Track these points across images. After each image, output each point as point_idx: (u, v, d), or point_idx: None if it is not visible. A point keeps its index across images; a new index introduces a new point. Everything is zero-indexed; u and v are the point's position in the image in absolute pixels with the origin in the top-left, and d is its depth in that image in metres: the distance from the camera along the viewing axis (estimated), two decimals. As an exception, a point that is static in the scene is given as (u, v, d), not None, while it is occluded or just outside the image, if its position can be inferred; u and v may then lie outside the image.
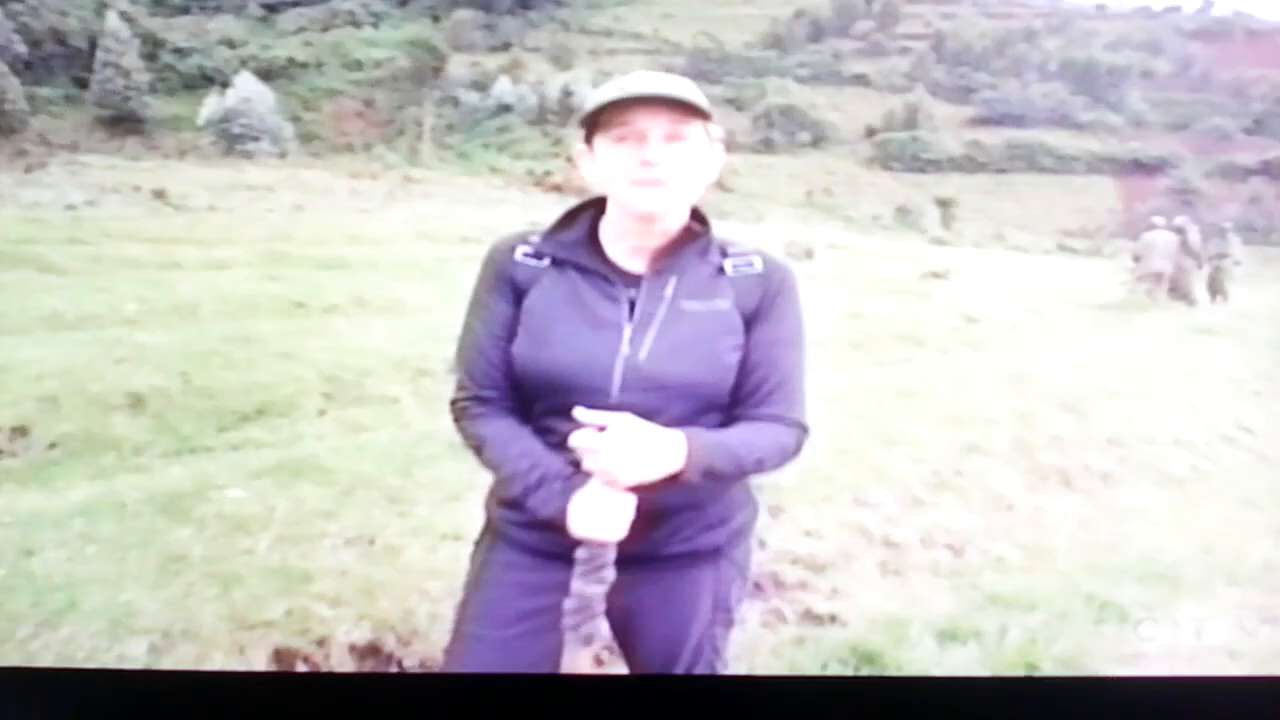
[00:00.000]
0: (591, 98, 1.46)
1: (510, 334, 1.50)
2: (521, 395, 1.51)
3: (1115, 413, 5.69)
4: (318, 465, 3.41)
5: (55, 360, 4.75)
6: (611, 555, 1.41)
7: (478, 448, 1.53)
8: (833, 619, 3.11)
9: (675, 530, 1.51)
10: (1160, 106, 34.38)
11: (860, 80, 39.12)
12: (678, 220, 1.49)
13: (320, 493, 3.19)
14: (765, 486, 3.90)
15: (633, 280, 1.49)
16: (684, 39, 41.04)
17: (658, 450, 1.37)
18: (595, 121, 1.45)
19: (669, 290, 1.48)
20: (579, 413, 1.37)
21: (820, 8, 42.49)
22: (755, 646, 2.92)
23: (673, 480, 1.38)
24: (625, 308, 1.47)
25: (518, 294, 1.51)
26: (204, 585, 2.53)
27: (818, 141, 35.67)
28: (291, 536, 2.86)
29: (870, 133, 35.76)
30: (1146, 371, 6.99)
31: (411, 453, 3.69)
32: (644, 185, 1.42)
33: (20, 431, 4.12)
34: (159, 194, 15.20)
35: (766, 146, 35.07)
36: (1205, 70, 36.34)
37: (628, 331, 1.46)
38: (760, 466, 1.49)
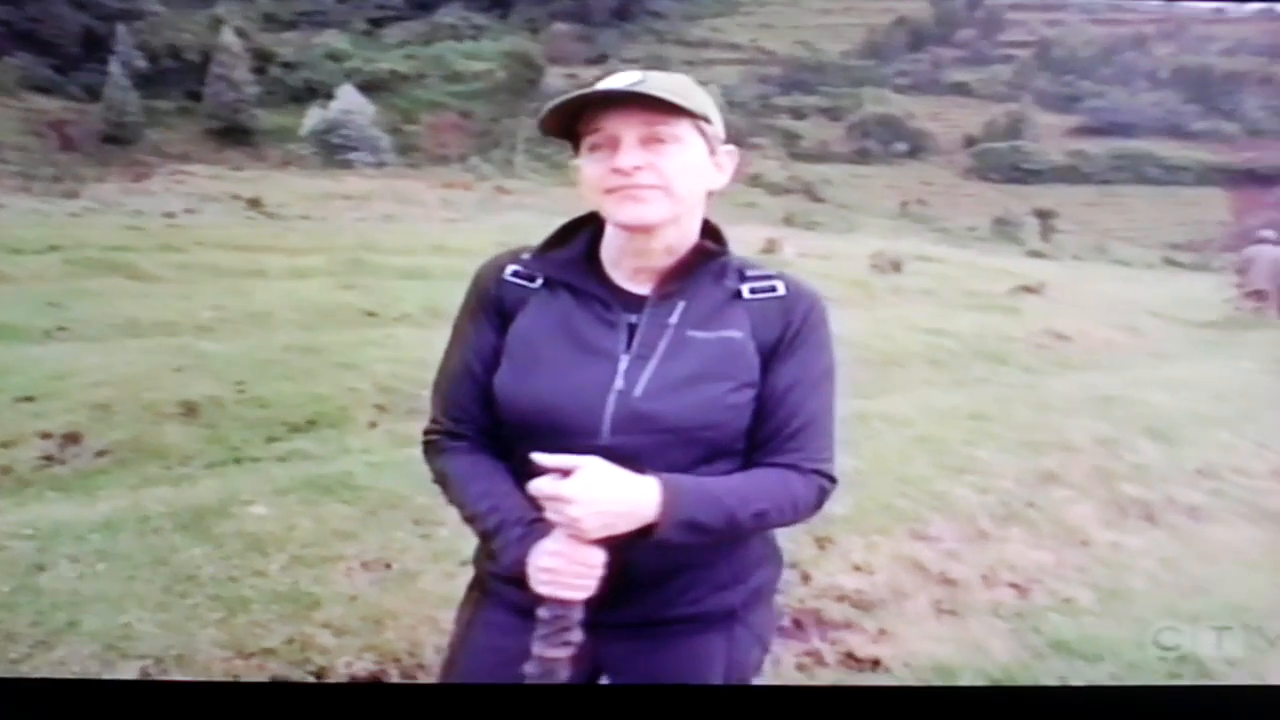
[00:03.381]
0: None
1: (490, 364, 1.33)
2: (502, 433, 1.34)
3: (1209, 441, 5.29)
4: (349, 482, 3.35)
5: (116, 367, 4.83)
6: (578, 616, 1.23)
7: (441, 484, 1.38)
8: (876, 664, 2.90)
9: (681, 590, 1.32)
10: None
11: (960, 89, 38.20)
12: (679, 235, 1.29)
13: (345, 511, 3.12)
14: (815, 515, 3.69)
15: (635, 304, 1.30)
16: (781, 48, 40.73)
17: (627, 499, 1.18)
18: (578, 132, 1.28)
19: (675, 317, 1.29)
20: (538, 457, 1.20)
21: (921, 16, 41.65)
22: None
23: (646, 534, 1.19)
24: (623, 336, 1.28)
25: (503, 319, 1.34)
26: (208, 609, 2.47)
27: (915, 151, 34.95)
28: (307, 558, 2.79)
29: (969, 142, 34.88)
30: (1247, 396, 6.51)
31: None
32: (620, 196, 1.24)
33: (72, 439, 4.18)
34: (254, 203, 15.63)
35: (862, 156, 34.52)
36: (1332, 76, 34.43)
37: (623, 363, 1.27)
38: (763, 520, 1.28)
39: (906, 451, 4.46)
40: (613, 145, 1.24)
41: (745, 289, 1.33)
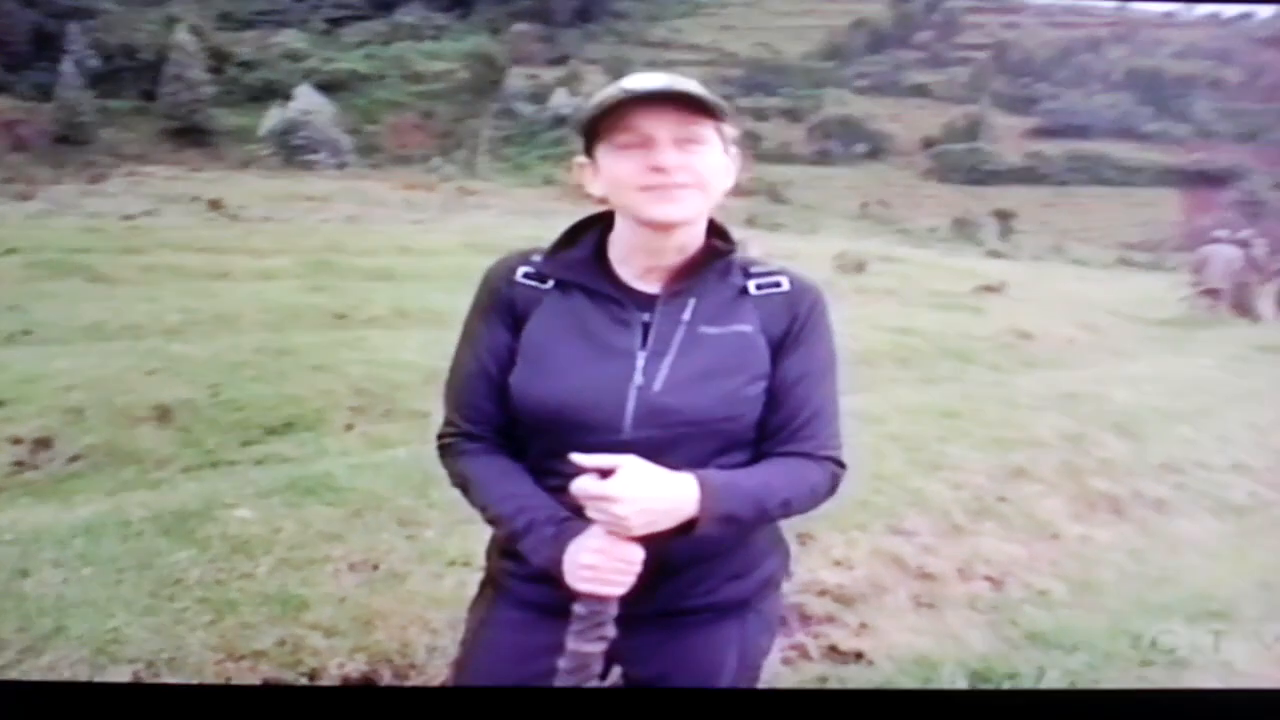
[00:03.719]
0: (590, 102, 1.30)
1: (505, 365, 1.36)
2: (517, 432, 1.36)
3: (1171, 436, 5.43)
4: (330, 484, 3.34)
5: (86, 371, 4.77)
6: (613, 611, 1.26)
7: (462, 488, 1.39)
8: (859, 656, 2.95)
9: (696, 581, 1.36)
10: (1228, 116, 33.30)
11: (920, 91, 38.54)
12: (693, 235, 1.34)
13: (329, 513, 3.12)
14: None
15: (646, 303, 1.34)
16: (742, 50, 40.87)
17: (670, 497, 1.22)
18: (595, 129, 1.30)
19: (687, 314, 1.33)
20: (576, 458, 1.22)
21: (880, 18, 41.98)
22: (775, 685, 2.77)
23: (685, 530, 1.24)
24: (638, 333, 1.32)
25: (517, 321, 1.36)
26: (196, 612, 2.46)
27: (875, 153, 35.20)
28: (293, 560, 2.79)
29: (929, 144, 35.22)
30: (1206, 391, 6.68)
31: (430, 471, 3.58)
32: (654, 193, 1.27)
33: (44, 443, 4.13)
34: (215, 204, 15.42)
35: (823, 158, 34.71)
36: (1278, 79, 35.23)
37: (641, 360, 1.31)
38: (787, 509, 1.34)
39: (880, 449, 4.52)
40: (646, 144, 1.27)
41: (751, 285, 1.37)
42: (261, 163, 29.14)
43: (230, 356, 5.40)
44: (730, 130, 1.34)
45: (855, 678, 2.80)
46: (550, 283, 1.37)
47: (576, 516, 1.26)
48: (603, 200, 1.36)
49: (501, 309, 1.38)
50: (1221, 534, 4.49)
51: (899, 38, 41.99)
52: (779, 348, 1.35)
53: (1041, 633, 3.18)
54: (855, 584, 3.31)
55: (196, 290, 8.01)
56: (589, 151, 1.34)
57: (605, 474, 1.21)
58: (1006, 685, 2.80)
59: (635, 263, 1.35)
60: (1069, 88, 36.00)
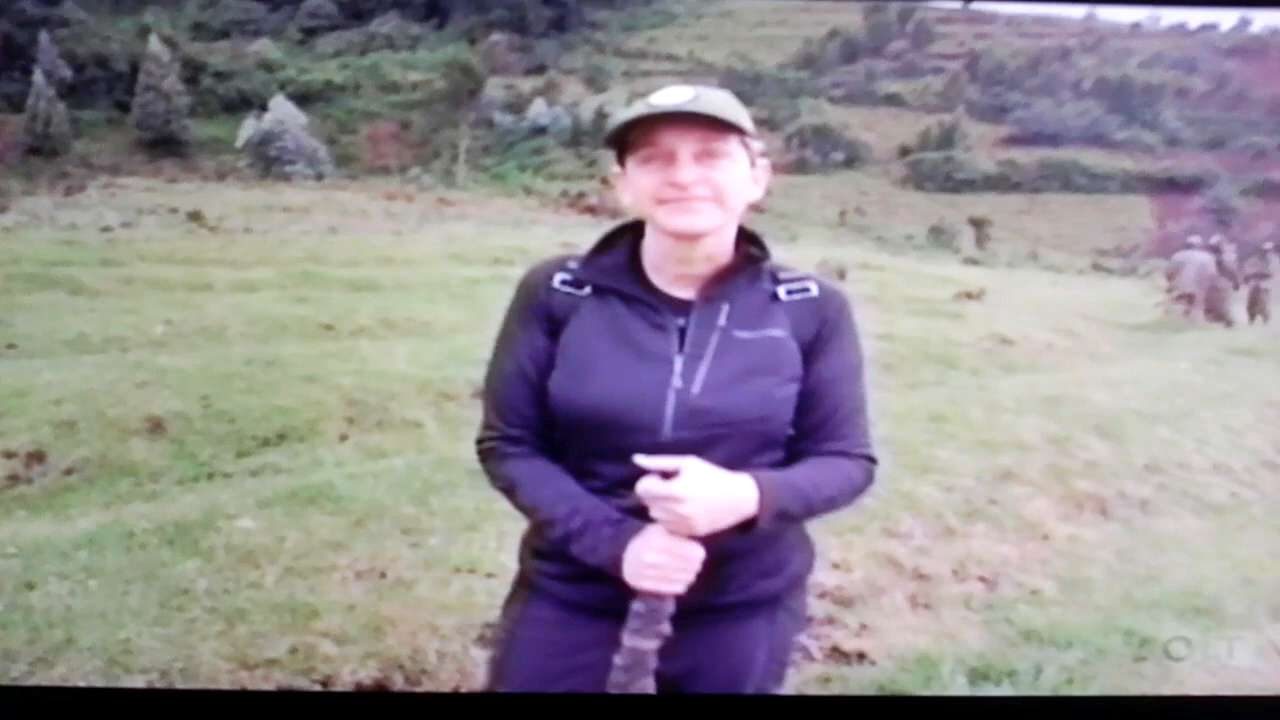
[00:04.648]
0: (616, 117, 1.34)
1: (544, 369, 1.38)
2: (557, 435, 1.39)
3: (1152, 438, 5.52)
4: (331, 493, 3.36)
5: (75, 384, 4.75)
6: (670, 608, 1.30)
7: (508, 490, 1.41)
8: (861, 657, 2.99)
9: (730, 578, 1.38)
10: (1195, 125, 33.82)
11: (894, 100, 38.85)
12: (720, 245, 1.37)
13: (332, 522, 3.13)
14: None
15: (681, 308, 1.37)
16: (718, 60, 41.04)
17: (731, 496, 1.26)
18: (625, 142, 1.34)
19: (722, 319, 1.37)
20: (640, 459, 1.26)
21: (854, 28, 42.31)
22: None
23: (744, 528, 1.28)
24: (675, 338, 1.36)
25: (554, 326, 1.39)
26: (207, 621, 2.47)
27: (851, 161, 35.41)
28: (300, 569, 2.80)
29: (904, 152, 35.48)
30: (1183, 394, 6.79)
31: (429, 480, 3.63)
32: (673, 206, 1.31)
33: (37, 457, 4.11)
34: (194, 216, 15.31)
35: (800, 167, 34.86)
36: (1242, 88, 35.72)
37: (679, 364, 1.34)
38: (830, 506, 1.38)
39: (871, 452, 4.57)
40: (668, 159, 1.31)
41: (781, 291, 1.42)
42: (238, 174, 28.98)
43: (219, 368, 5.39)
44: (757, 144, 1.38)
45: (858, 677, 2.83)
46: (587, 289, 1.40)
47: (627, 517, 1.31)
48: (615, 211, 1.41)
49: (539, 315, 1.41)
50: (1204, 532, 4.57)
51: (873, 48, 42.30)
52: (810, 351, 1.40)
53: (1036, 630, 3.24)
54: (854, 586, 3.35)
55: (179, 302, 7.97)
56: (621, 162, 1.38)
57: (667, 475, 1.25)
58: (1006, 683, 2.84)
59: (667, 270, 1.39)
60: (1040, 96, 36.42)
